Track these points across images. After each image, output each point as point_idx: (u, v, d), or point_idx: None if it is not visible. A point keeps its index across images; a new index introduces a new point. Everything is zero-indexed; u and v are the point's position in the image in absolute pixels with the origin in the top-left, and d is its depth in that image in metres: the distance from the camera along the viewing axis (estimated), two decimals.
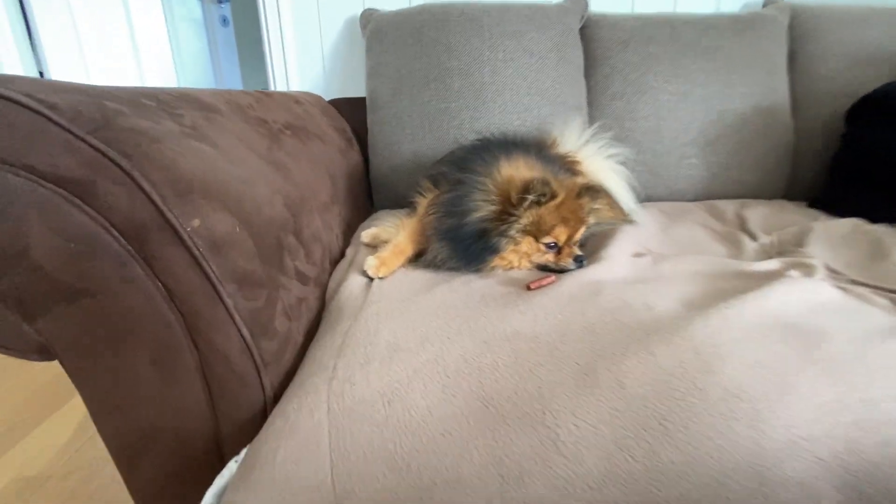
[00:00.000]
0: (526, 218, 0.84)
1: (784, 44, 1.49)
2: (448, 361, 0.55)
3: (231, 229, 0.50)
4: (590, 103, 1.46)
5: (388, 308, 0.70)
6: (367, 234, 1.03)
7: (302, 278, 0.70)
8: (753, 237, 1.08)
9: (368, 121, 1.50)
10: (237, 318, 0.49)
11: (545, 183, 0.81)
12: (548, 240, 0.85)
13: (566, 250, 0.87)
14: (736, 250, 1.02)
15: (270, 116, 0.98)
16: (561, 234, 0.85)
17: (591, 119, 1.43)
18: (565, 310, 0.68)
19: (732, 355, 0.51)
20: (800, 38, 1.50)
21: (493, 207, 0.84)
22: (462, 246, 0.83)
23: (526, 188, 0.81)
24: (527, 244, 0.86)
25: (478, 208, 0.84)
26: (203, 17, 3.01)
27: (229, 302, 0.48)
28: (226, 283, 0.47)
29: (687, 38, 1.44)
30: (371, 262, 0.84)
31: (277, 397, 0.53)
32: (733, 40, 1.44)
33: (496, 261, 0.86)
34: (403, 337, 0.60)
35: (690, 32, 1.44)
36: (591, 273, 0.83)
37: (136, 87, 0.57)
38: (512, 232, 0.84)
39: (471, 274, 0.85)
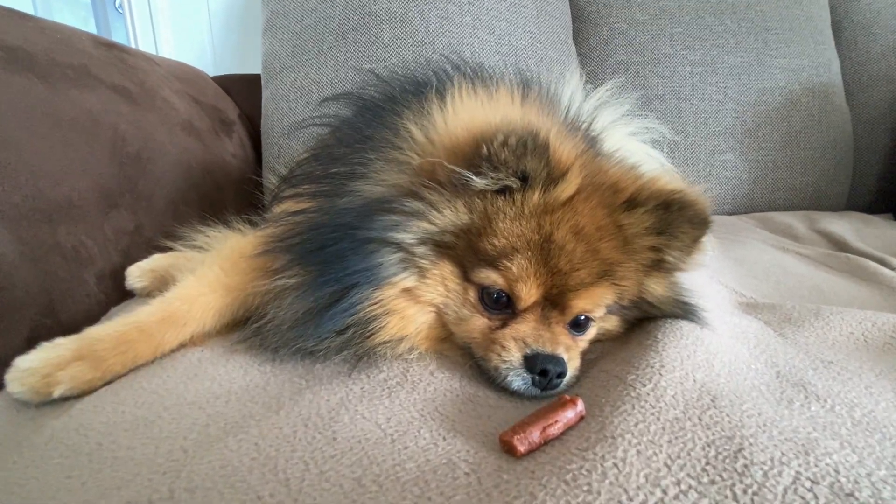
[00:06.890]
0: (452, 210, 0.35)
1: (826, 6, 1.13)
2: None
3: None
4: (583, 76, 1.03)
5: None
6: (136, 269, 0.50)
7: None
8: (885, 263, 0.63)
9: (263, 100, 1.00)
10: None
11: (533, 138, 0.33)
12: (487, 278, 0.35)
13: (527, 325, 0.35)
14: (874, 288, 0.57)
15: None
16: (528, 275, 0.34)
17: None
18: None
19: None
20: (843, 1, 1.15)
21: (397, 179, 0.36)
22: (323, 270, 0.34)
23: (487, 143, 0.33)
24: (438, 279, 0.36)
25: (369, 178, 0.36)
26: (92, 4, 2.37)
27: None
28: None
29: None
30: (23, 367, 0.32)
31: None
32: None
33: (382, 319, 0.35)
34: None
35: None
36: (685, 377, 0.33)
37: None
38: (406, 235, 0.35)
39: (343, 366, 0.36)
